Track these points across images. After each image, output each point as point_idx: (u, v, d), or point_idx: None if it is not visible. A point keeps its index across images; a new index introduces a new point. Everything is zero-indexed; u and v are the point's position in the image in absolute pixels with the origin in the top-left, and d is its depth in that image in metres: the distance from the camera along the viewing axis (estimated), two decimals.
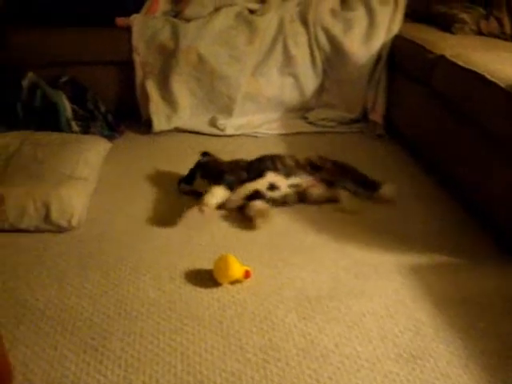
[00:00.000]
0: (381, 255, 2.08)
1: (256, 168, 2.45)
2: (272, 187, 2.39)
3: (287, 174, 2.43)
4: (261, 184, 2.39)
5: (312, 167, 2.50)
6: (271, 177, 2.41)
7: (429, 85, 2.71)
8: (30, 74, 2.98)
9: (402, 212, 2.40)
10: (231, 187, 2.33)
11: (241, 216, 2.34)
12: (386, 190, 2.47)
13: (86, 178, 2.50)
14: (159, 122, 3.23)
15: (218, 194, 2.27)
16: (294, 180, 2.44)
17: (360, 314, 1.77)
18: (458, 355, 1.62)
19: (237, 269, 1.88)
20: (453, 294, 1.88)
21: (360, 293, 1.87)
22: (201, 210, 2.20)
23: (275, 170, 2.43)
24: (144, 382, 1.51)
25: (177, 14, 3.37)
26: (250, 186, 2.38)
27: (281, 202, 2.41)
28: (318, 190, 2.44)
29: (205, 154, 2.61)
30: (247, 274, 1.89)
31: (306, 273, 1.97)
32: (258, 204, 2.33)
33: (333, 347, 1.64)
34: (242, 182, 2.38)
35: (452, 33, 3.07)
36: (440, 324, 1.74)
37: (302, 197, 2.44)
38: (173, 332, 1.68)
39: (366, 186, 2.49)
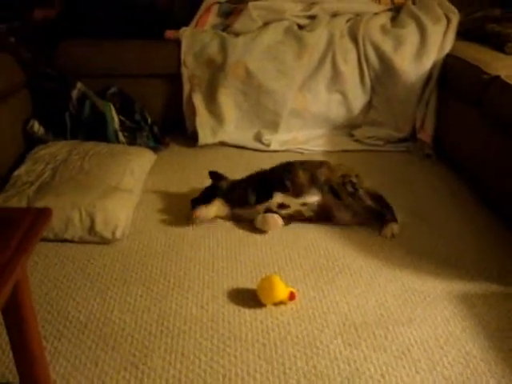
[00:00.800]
0: (429, 281, 2.02)
1: (264, 188, 2.41)
2: (282, 206, 2.36)
3: (297, 194, 2.37)
4: (270, 204, 2.36)
5: (332, 190, 2.39)
6: (279, 197, 2.36)
7: (481, 105, 2.64)
8: (80, 85, 3.00)
9: (450, 235, 2.32)
10: (233, 204, 2.40)
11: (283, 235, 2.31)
12: (387, 231, 2.33)
13: (131, 189, 2.50)
14: (205, 136, 3.22)
15: (212, 208, 2.37)
16: (305, 199, 2.37)
17: (408, 343, 1.71)
18: None
19: (281, 290, 1.84)
20: (505, 325, 1.80)
21: (408, 321, 1.81)
22: (191, 220, 2.35)
23: (283, 189, 2.37)
24: None
25: (225, 28, 3.37)
26: (261, 208, 2.37)
27: (299, 218, 2.39)
28: (345, 215, 2.37)
29: (213, 173, 2.55)
30: (292, 296, 1.85)
31: (352, 297, 1.92)
32: (268, 216, 2.33)
33: (379, 377, 1.58)
34: (251, 204, 2.38)
35: (505, 52, 2.98)
36: (491, 357, 1.67)
37: (325, 216, 2.39)
38: (215, 353, 1.65)
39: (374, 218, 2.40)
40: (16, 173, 2.57)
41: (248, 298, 1.89)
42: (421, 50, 3.16)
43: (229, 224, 2.38)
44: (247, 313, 1.82)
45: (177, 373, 1.58)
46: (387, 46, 3.20)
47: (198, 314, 1.81)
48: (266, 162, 2.96)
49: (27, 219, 1.28)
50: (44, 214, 1.32)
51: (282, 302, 1.85)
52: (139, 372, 1.58)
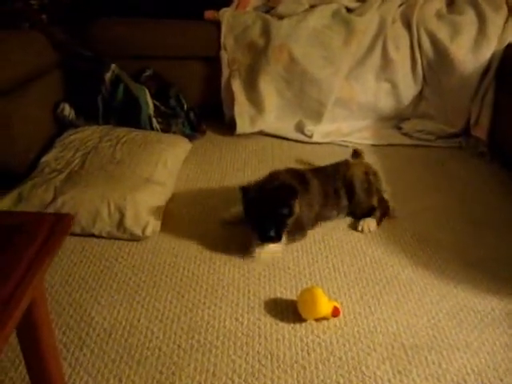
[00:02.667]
0: (487, 299, 1.82)
1: None
2: None
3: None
4: None
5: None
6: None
7: None
8: (114, 67, 2.84)
9: (506, 245, 2.12)
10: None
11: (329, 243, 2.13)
12: (365, 225, 2.19)
13: (164, 182, 2.36)
14: (243, 124, 3.05)
15: (270, 249, 2.00)
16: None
17: (463, 373, 1.53)
18: None
19: (324, 304, 1.67)
20: None
21: (464, 345, 1.62)
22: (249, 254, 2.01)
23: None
24: None
25: (269, 10, 3.18)
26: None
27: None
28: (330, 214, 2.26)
29: (245, 189, 2.03)
30: (336, 312, 1.68)
31: (402, 315, 1.73)
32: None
33: None
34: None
35: None
36: None
37: None
38: (249, 374, 1.50)
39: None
40: (44, 159, 2.45)
41: (287, 311, 1.73)
42: (479, 40, 2.92)
43: None
44: (286, 328, 1.66)
45: None
46: (443, 33, 2.97)
47: (231, 327, 1.66)
48: (308, 155, 2.80)
49: (44, 227, 1.13)
50: (64, 220, 1.17)
51: (324, 318, 1.68)
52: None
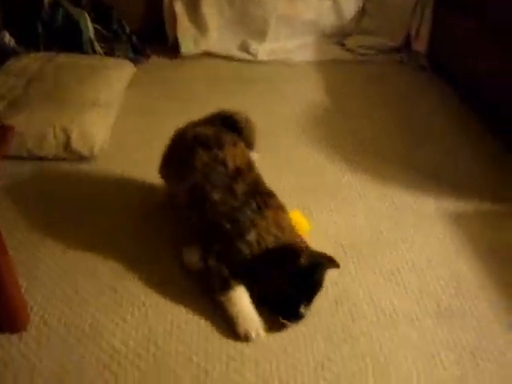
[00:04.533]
0: (422, 199, 1.94)
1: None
2: None
3: None
4: None
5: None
6: None
7: (480, 13, 2.48)
8: None
9: (444, 151, 2.23)
10: None
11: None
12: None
13: (110, 103, 2.38)
14: (187, 45, 3.04)
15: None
16: None
17: (398, 264, 1.65)
18: (503, 315, 1.50)
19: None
20: (500, 247, 1.74)
21: (399, 240, 1.74)
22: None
23: None
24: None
25: None
26: None
27: None
28: None
29: None
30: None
31: (341, 217, 1.84)
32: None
33: (367, 299, 1.53)
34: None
35: None
36: (484, 278, 1.62)
37: None
38: None
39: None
40: None
41: None
42: None
43: None
44: None
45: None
46: None
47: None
48: (254, 75, 2.83)
49: None
50: (4, 133, 1.20)
51: None
52: (118, 296, 1.51)
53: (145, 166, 2.05)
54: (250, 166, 1.64)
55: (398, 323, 1.46)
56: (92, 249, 1.68)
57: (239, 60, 3.07)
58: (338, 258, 1.62)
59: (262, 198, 1.54)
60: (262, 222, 1.47)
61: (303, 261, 1.39)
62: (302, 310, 1.39)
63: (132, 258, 1.64)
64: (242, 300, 1.43)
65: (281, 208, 1.56)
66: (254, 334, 1.37)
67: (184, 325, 1.43)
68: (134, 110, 2.49)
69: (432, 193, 1.97)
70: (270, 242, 1.45)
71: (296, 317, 1.40)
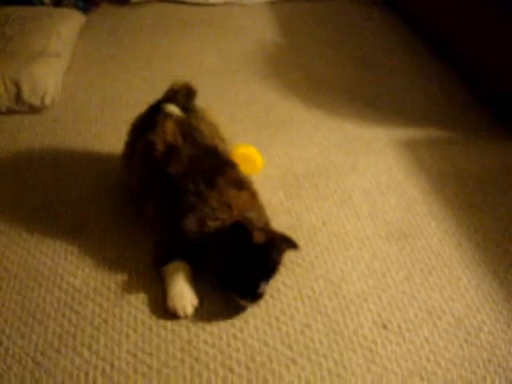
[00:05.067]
0: (374, 130, 1.98)
1: None
2: None
3: None
4: None
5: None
6: None
7: None
8: None
9: (396, 83, 2.27)
10: None
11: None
12: None
13: (59, 54, 2.34)
14: None
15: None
16: None
17: (350, 192, 1.70)
18: (451, 233, 1.56)
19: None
20: (448, 169, 1.80)
21: (350, 169, 1.79)
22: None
23: None
24: None
25: None
26: None
27: None
28: None
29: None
30: None
31: (294, 150, 1.87)
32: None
33: (320, 225, 1.58)
34: None
35: None
36: (433, 201, 1.67)
37: None
38: None
39: None
40: None
41: None
42: None
43: None
44: None
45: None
46: None
47: None
48: (207, 18, 2.80)
49: None
50: None
51: None
52: (76, 239, 1.53)
53: (97, 115, 2.05)
54: (186, 136, 1.51)
55: (350, 246, 1.51)
56: (50, 196, 1.69)
57: (190, 3, 3.02)
58: (290, 187, 1.66)
59: (203, 177, 1.41)
60: (204, 204, 1.37)
61: (257, 238, 1.30)
62: (260, 290, 1.31)
63: (88, 210, 1.65)
64: (176, 276, 1.36)
65: (230, 184, 1.42)
66: (181, 312, 1.30)
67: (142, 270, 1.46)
68: (85, 60, 2.46)
69: (383, 124, 2.01)
70: (215, 223, 1.36)
71: (254, 297, 1.31)
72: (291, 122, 2.01)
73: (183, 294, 1.33)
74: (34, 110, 2.09)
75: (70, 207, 1.64)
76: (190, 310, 1.31)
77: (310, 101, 2.13)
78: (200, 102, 2.05)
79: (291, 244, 1.38)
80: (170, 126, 1.52)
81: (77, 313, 1.32)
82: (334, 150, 1.87)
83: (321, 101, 2.13)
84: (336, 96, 2.17)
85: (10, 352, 1.23)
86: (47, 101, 2.09)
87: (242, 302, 1.31)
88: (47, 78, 2.13)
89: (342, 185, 1.72)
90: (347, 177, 1.75)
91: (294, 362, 1.22)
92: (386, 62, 2.45)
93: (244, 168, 1.69)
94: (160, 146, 1.49)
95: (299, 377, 1.19)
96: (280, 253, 1.35)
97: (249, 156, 1.73)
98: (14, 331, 1.28)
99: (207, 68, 2.36)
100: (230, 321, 1.30)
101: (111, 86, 2.25)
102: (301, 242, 1.49)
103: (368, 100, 2.15)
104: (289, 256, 1.44)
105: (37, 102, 2.08)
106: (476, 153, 1.88)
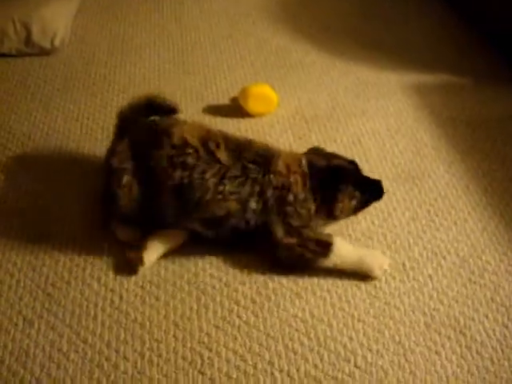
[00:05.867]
0: (384, 74, 1.96)
1: None
2: None
3: None
4: None
5: None
6: None
7: None
8: None
9: (408, 31, 2.23)
10: None
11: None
12: None
13: None
14: None
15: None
16: None
17: (359, 134, 1.69)
18: (458, 177, 1.56)
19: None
20: (458, 115, 1.78)
21: (360, 113, 1.78)
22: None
23: None
24: None
25: None
26: None
27: None
28: None
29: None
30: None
31: (304, 92, 1.86)
32: None
33: None
34: None
35: None
36: (442, 145, 1.67)
37: None
38: None
39: None
40: None
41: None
42: None
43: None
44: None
45: None
46: None
47: None
48: None
49: None
50: None
51: None
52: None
53: (106, 57, 2.05)
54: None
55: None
56: (56, 132, 1.72)
57: None
58: (300, 128, 1.66)
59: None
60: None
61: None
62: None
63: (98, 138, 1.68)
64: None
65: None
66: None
67: None
68: (96, 3, 2.44)
69: (394, 68, 1.99)
70: None
71: (381, 193, 1.37)
72: (301, 65, 2.00)
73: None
74: (43, 52, 2.09)
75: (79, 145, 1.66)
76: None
77: (320, 44, 2.11)
78: (211, 44, 2.06)
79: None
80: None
81: (87, 247, 1.35)
82: (344, 93, 1.86)
83: (331, 45, 2.11)
84: (347, 41, 2.14)
85: (22, 284, 1.27)
86: (57, 43, 2.08)
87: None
88: (57, 20, 2.13)
89: (351, 128, 1.71)
90: (357, 120, 1.75)
91: (298, 295, 1.24)
92: (397, 11, 2.40)
93: (260, 107, 1.71)
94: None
95: (303, 310, 1.21)
96: None
97: (265, 94, 1.74)
98: (25, 264, 1.31)
99: (218, 11, 2.33)
100: (236, 256, 1.32)
101: (121, 28, 2.23)
102: None
103: (380, 45, 2.12)
104: None
105: (47, 44, 2.08)
106: (487, 99, 1.85)
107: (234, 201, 1.26)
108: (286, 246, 1.27)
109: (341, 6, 2.40)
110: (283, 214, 1.28)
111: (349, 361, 1.12)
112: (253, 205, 1.27)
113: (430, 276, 1.30)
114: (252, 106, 1.71)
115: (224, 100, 1.84)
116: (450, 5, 2.38)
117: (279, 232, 1.27)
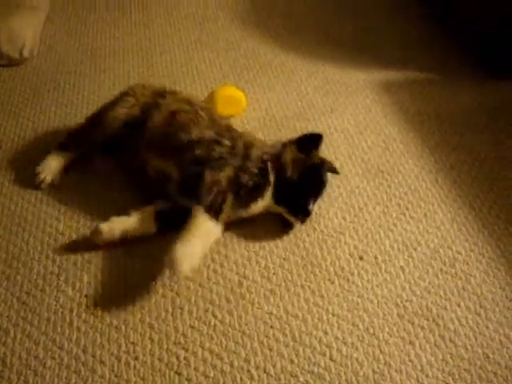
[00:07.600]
0: (353, 73, 1.98)
1: None
2: None
3: None
4: None
5: None
6: None
7: None
8: None
9: (375, 29, 2.25)
10: None
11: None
12: None
13: (37, 6, 2.30)
14: None
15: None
16: None
17: (328, 132, 1.71)
18: (427, 170, 1.59)
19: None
20: (426, 109, 1.81)
21: (329, 111, 1.80)
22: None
23: None
24: None
25: None
26: None
27: None
28: None
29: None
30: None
31: (273, 93, 1.88)
32: None
33: None
34: None
35: None
36: (411, 139, 1.69)
37: None
38: None
39: None
40: None
41: None
42: None
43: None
44: None
45: None
46: None
47: None
48: None
49: None
50: None
51: None
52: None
53: (76, 65, 2.05)
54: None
55: (329, 184, 1.51)
56: (27, 142, 1.71)
57: None
58: (270, 129, 1.69)
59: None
60: None
61: (314, 158, 1.47)
62: (310, 207, 1.39)
63: None
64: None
65: None
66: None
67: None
68: (63, 11, 2.43)
69: (362, 67, 2.01)
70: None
71: (306, 213, 1.39)
72: (270, 67, 2.01)
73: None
74: (12, 62, 2.07)
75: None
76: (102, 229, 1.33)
77: (289, 46, 2.12)
78: (179, 49, 2.08)
79: (334, 168, 1.51)
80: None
81: (60, 254, 1.35)
82: (313, 92, 1.88)
83: (300, 45, 2.13)
84: (315, 40, 2.16)
85: None
86: (26, 53, 2.07)
87: (293, 219, 1.40)
88: (25, 30, 2.11)
89: (320, 125, 1.73)
90: (326, 118, 1.77)
91: (272, 292, 1.26)
92: (365, 6, 2.43)
93: (229, 109, 1.73)
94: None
95: (278, 306, 1.23)
96: (325, 172, 1.47)
97: (233, 96, 1.75)
98: None
99: (186, 16, 2.34)
100: (210, 256, 1.33)
101: (89, 36, 2.23)
102: None
103: (347, 44, 2.14)
104: None
105: (15, 55, 2.06)
106: (454, 93, 1.88)
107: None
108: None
109: (311, 5, 2.41)
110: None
111: (324, 354, 1.14)
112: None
113: (401, 268, 1.32)
114: (221, 108, 1.71)
115: None
116: (417, 3, 2.41)
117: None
